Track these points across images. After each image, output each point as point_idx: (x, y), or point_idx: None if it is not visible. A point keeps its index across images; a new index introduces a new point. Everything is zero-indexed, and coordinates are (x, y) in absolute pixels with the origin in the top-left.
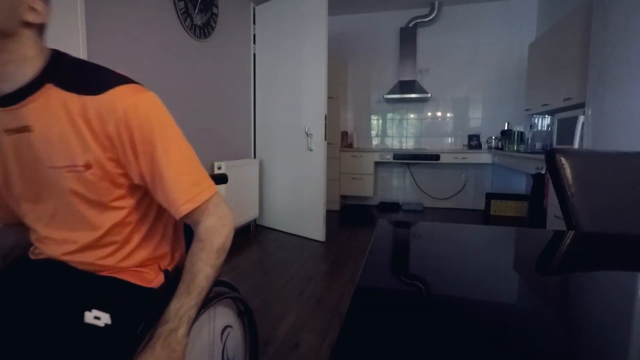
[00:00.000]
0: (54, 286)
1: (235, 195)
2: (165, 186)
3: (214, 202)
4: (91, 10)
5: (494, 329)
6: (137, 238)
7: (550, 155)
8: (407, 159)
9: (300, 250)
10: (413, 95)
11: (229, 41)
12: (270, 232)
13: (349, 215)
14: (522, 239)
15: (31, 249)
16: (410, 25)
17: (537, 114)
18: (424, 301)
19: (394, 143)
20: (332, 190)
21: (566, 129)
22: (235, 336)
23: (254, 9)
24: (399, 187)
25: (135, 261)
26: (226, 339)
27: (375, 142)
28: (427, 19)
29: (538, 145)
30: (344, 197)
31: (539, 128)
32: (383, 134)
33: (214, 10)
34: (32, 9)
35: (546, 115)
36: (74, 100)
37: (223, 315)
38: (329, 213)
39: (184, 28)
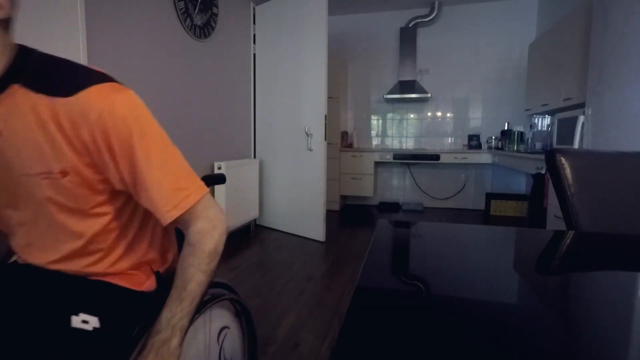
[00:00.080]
0: (39, 291)
1: (235, 195)
2: (149, 192)
3: (204, 204)
4: (91, 10)
5: (494, 329)
6: (123, 244)
7: (550, 155)
8: (407, 159)
9: (300, 250)
10: (413, 95)
11: (229, 41)
12: (270, 232)
13: (349, 215)
14: (522, 239)
15: (17, 254)
16: (410, 25)
17: (537, 114)
18: (424, 301)
19: (394, 143)
20: (332, 190)
21: (566, 129)
22: (233, 337)
23: (254, 9)
24: (399, 187)
25: (124, 266)
26: (223, 340)
27: (375, 142)
28: (427, 19)
29: (538, 145)
30: (344, 197)
31: (539, 128)
32: (383, 134)
33: (214, 10)
34: None
35: (546, 115)
36: (43, 103)
37: (219, 317)
38: (329, 213)
39: (184, 28)
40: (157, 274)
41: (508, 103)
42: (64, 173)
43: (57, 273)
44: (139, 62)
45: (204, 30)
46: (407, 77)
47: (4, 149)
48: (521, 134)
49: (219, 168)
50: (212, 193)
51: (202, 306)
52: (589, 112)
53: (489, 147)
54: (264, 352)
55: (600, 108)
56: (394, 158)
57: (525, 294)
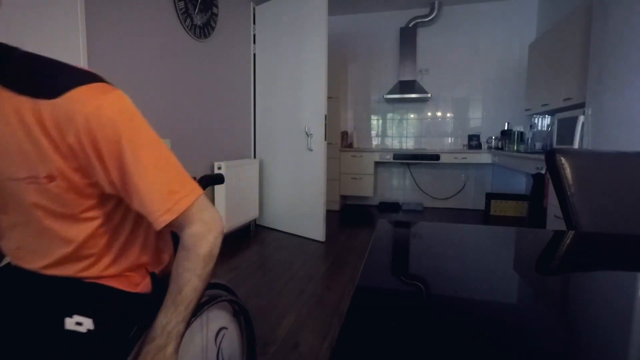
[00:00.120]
0: (32, 293)
1: (235, 195)
2: (140, 196)
3: (198, 207)
4: (91, 10)
5: (494, 329)
6: (116, 247)
7: (550, 155)
8: (407, 159)
9: (300, 250)
10: (413, 95)
11: (229, 41)
12: (270, 232)
13: (349, 215)
14: (522, 239)
15: (9, 257)
16: (410, 25)
17: (537, 114)
18: (424, 301)
19: (394, 143)
20: (332, 190)
21: (566, 129)
22: (231, 337)
23: (254, 9)
24: (399, 187)
25: (118, 269)
26: (221, 341)
27: (375, 142)
28: (427, 19)
29: (538, 145)
30: (344, 197)
31: (539, 128)
32: (383, 134)
33: (214, 10)
34: None
35: (546, 115)
36: (27, 105)
37: (217, 319)
38: (329, 213)
39: (184, 28)
40: (153, 275)
41: (508, 103)
42: (50, 178)
43: (51, 276)
44: (139, 62)
45: (204, 30)
46: (407, 77)
47: None
48: (521, 134)
49: (219, 168)
50: (212, 193)
51: (199, 309)
52: (589, 112)
53: (489, 147)
54: (264, 352)
55: (600, 108)
56: (394, 158)
57: (525, 294)
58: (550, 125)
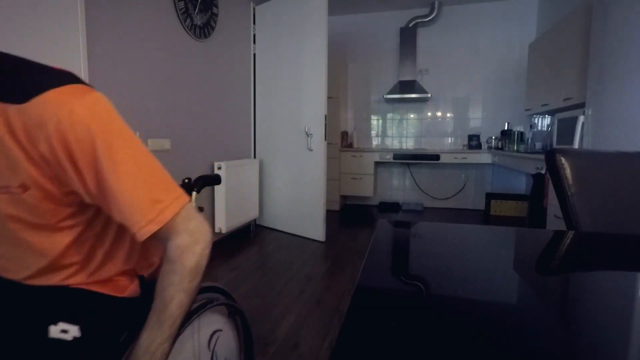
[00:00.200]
0: (15, 302)
1: (235, 195)
2: (120, 207)
3: (184, 216)
4: (91, 10)
5: (494, 329)
6: (101, 253)
7: (550, 155)
8: (407, 159)
9: (300, 250)
10: (413, 95)
11: (229, 41)
12: (270, 232)
13: (349, 215)
14: (522, 239)
15: None
16: (410, 25)
17: (537, 114)
18: (424, 301)
19: (394, 143)
20: (332, 190)
21: (566, 129)
22: (227, 338)
23: (254, 9)
24: (399, 187)
25: (106, 275)
26: (215, 343)
27: (375, 142)
28: (427, 19)
29: (538, 145)
30: (344, 197)
31: (539, 128)
32: (383, 134)
33: (214, 10)
34: None
35: (546, 115)
36: None
37: (210, 323)
38: (329, 213)
39: (184, 28)
40: (141, 278)
41: (508, 103)
42: (24, 187)
43: (34, 285)
44: (138, 62)
45: (204, 30)
46: (407, 77)
47: None
48: (521, 134)
49: (219, 168)
50: (212, 193)
51: (189, 317)
52: (589, 112)
53: (489, 147)
54: (264, 352)
55: (600, 108)
56: (394, 158)
57: (525, 294)
58: (550, 125)
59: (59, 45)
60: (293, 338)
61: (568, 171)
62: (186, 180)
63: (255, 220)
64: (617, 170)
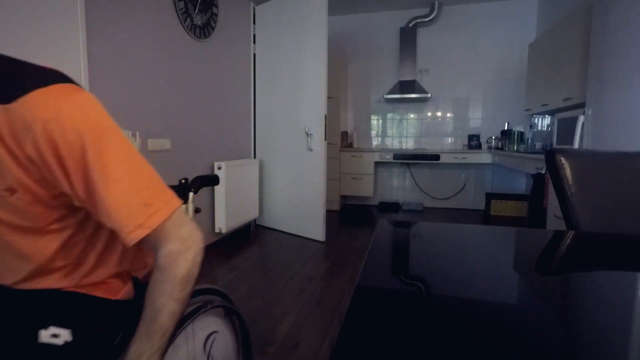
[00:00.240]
0: (3, 308)
1: (235, 195)
2: (108, 210)
3: (175, 221)
4: (91, 10)
5: (494, 329)
6: (93, 255)
7: (550, 155)
8: (407, 159)
9: (300, 250)
10: (413, 95)
11: (229, 41)
12: (270, 232)
13: (349, 215)
14: (522, 239)
15: None
16: (410, 25)
17: (537, 114)
18: (424, 301)
19: (394, 143)
20: (332, 190)
21: (566, 129)
22: (223, 339)
23: (254, 9)
24: (399, 187)
25: (99, 277)
26: (211, 346)
27: (375, 142)
28: (427, 19)
29: (538, 145)
30: (344, 197)
31: (539, 128)
32: (383, 134)
33: (214, 10)
34: None
35: (546, 115)
36: None
37: (205, 326)
38: (329, 213)
39: (184, 28)
40: (135, 280)
41: (508, 103)
42: (11, 190)
43: (24, 289)
44: (139, 62)
45: (204, 30)
46: (407, 77)
47: None
48: (521, 134)
49: (219, 168)
50: (212, 194)
51: (183, 322)
52: (589, 112)
53: (489, 147)
54: (264, 352)
55: (600, 108)
56: (394, 158)
57: (525, 294)
58: (550, 125)
59: (59, 45)
60: (293, 338)
61: (568, 171)
62: (182, 181)
63: (255, 220)
64: (617, 170)
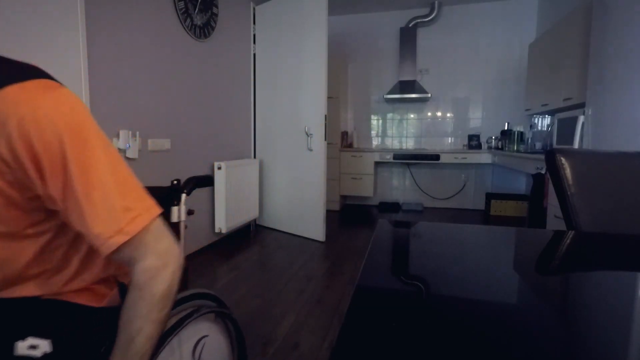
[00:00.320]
0: None
1: (235, 195)
2: (85, 214)
3: (154, 233)
4: (91, 10)
5: (494, 329)
6: (76, 259)
7: (550, 155)
8: (407, 159)
9: (300, 250)
10: (413, 95)
11: (229, 41)
12: (270, 232)
13: (349, 215)
14: (522, 239)
15: None
16: (410, 25)
17: (537, 114)
18: (424, 301)
19: (394, 143)
20: (332, 190)
21: (566, 129)
22: (214, 342)
23: (254, 9)
24: (399, 187)
25: (82, 283)
26: (201, 350)
27: (375, 142)
28: (427, 19)
29: (538, 145)
30: (344, 197)
31: (539, 128)
32: (383, 134)
33: (214, 10)
34: None
35: (546, 115)
36: None
37: (193, 333)
38: (329, 213)
39: (184, 28)
40: (122, 286)
41: (508, 103)
42: None
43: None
44: (138, 62)
45: (204, 30)
46: (407, 77)
47: None
48: (521, 134)
49: (219, 168)
50: (212, 193)
51: (165, 336)
52: (589, 112)
53: (489, 147)
54: (264, 352)
55: (600, 108)
56: (394, 158)
57: (525, 294)
58: (550, 125)
59: (59, 45)
60: (293, 338)
61: (568, 171)
62: (175, 182)
63: (255, 220)
64: (617, 170)
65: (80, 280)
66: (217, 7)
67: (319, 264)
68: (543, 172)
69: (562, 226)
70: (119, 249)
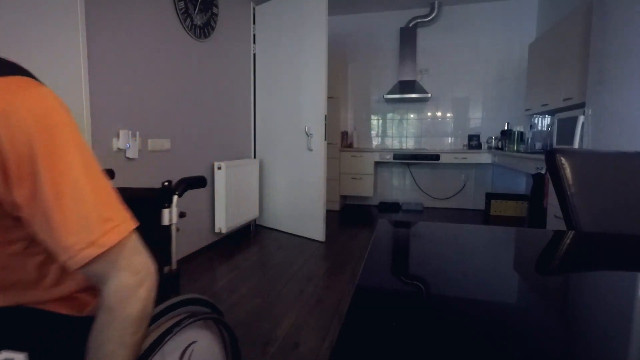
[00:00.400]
0: None
1: (235, 195)
2: (53, 224)
3: (130, 248)
4: (91, 10)
5: (494, 329)
6: (54, 268)
7: (550, 155)
8: (407, 159)
9: (300, 250)
10: (413, 95)
11: (229, 41)
12: (270, 232)
13: (349, 215)
14: (522, 239)
15: None
16: (410, 25)
17: (537, 114)
18: (424, 301)
19: (394, 143)
20: (332, 190)
21: (566, 129)
22: (205, 347)
23: (254, 9)
24: (399, 187)
25: (64, 292)
26: (190, 356)
27: (375, 142)
28: (427, 19)
29: (538, 145)
30: (344, 197)
31: (539, 128)
32: (383, 134)
33: (214, 10)
34: None
35: (546, 115)
36: None
37: (179, 344)
38: (329, 213)
39: (184, 28)
40: None
41: (508, 103)
42: None
43: None
44: (138, 62)
45: (204, 30)
46: (407, 77)
47: None
48: (521, 134)
49: (219, 168)
50: (212, 193)
51: (150, 351)
52: (589, 112)
53: (489, 147)
54: (264, 352)
55: (600, 108)
56: (394, 158)
57: (525, 294)
58: (550, 125)
59: (59, 45)
60: (293, 338)
61: (568, 171)
62: (166, 183)
63: (255, 220)
64: (617, 170)
65: (62, 289)
66: (217, 7)
67: (319, 264)
68: (543, 172)
69: (562, 226)
70: (89, 263)
